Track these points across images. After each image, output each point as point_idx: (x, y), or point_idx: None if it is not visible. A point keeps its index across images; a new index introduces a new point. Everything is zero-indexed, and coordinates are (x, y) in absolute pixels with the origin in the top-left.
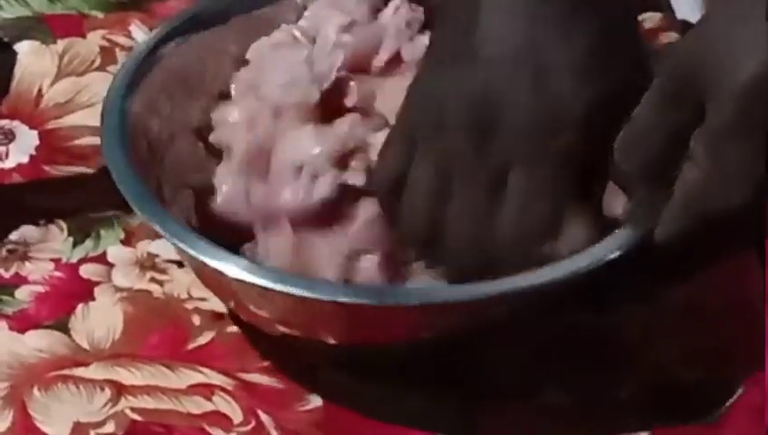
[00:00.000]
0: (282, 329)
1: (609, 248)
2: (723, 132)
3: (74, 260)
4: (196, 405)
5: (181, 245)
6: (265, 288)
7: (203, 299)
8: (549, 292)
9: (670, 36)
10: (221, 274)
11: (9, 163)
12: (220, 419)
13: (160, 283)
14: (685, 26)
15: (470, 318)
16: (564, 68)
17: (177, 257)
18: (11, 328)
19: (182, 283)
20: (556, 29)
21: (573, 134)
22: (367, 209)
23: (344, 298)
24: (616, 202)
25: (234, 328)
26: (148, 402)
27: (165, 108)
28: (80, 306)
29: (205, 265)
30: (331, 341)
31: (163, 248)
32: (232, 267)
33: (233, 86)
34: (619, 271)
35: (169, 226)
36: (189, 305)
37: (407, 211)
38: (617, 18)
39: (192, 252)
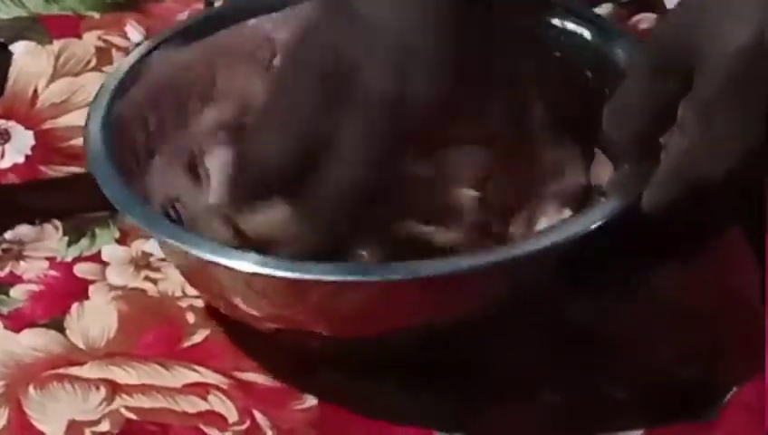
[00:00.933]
0: (272, 323)
1: (596, 216)
2: (712, 101)
3: (69, 259)
4: (192, 404)
5: (170, 241)
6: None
7: (197, 297)
8: (540, 260)
9: None
10: (208, 264)
11: (5, 163)
12: (215, 418)
13: (155, 281)
14: None
15: (466, 292)
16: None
17: None
18: (6, 327)
19: (176, 281)
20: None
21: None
22: None
23: (337, 276)
24: (603, 171)
25: (228, 326)
26: (143, 401)
27: (151, 119)
28: (74, 305)
29: (190, 255)
30: (323, 331)
31: (157, 247)
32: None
33: None
34: (606, 242)
35: (156, 223)
36: (184, 304)
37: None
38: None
39: (181, 245)
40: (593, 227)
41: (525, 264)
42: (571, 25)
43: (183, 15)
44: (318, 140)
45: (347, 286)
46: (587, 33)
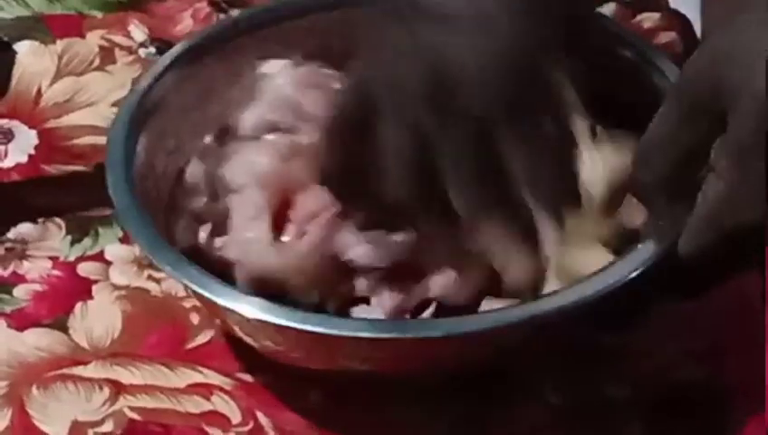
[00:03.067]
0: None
1: (634, 264)
2: (746, 143)
3: (72, 258)
4: (195, 405)
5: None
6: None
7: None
8: (574, 312)
9: (669, 36)
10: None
11: (8, 162)
12: (219, 419)
13: (158, 281)
14: (683, 21)
15: (491, 346)
16: (504, 12)
17: None
18: (9, 326)
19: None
20: None
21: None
22: None
23: (367, 333)
24: (636, 215)
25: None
26: (146, 401)
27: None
28: (78, 305)
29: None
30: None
31: None
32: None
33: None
34: (642, 286)
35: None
36: (187, 304)
37: (395, 182)
38: None
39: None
40: (630, 276)
41: (561, 317)
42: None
43: (186, 14)
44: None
45: (383, 342)
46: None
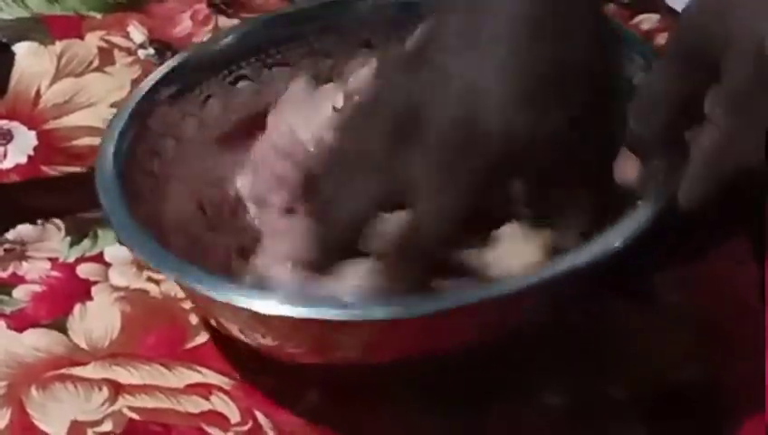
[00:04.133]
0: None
1: (636, 222)
2: (741, 88)
3: (71, 260)
4: (194, 404)
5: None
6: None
7: None
8: (587, 272)
9: (667, 37)
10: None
11: (7, 164)
12: (218, 418)
13: (157, 282)
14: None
15: (505, 314)
16: (495, 96)
17: None
18: (9, 327)
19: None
20: (502, 62)
21: (486, 159)
22: None
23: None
24: (629, 169)
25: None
26: (145, 401)
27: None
28: (77, 306)
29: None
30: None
31: None
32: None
33: None
34: (642, 247)
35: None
36: (186, 305)
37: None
38: (575, 48)
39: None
40: (636, 234)
41: (577, 276)
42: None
43: (185, 16)
44: (397, 186)
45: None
46: None
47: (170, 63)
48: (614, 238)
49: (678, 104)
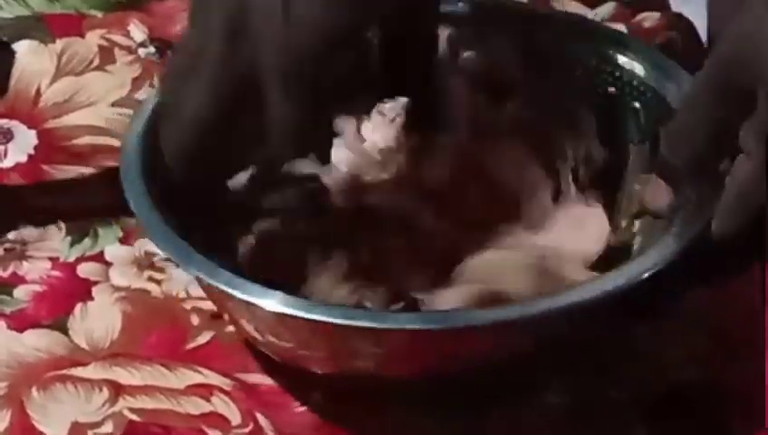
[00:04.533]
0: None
1: (665, 251)
2: None
3: (72, 259)
4: (195, 406)
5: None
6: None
7: (201, 298)
8: (609, 301)
9: (669, 35)
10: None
11: (8, 163)
12: (218, 420)
13: (158, 282)
14: (684, 20)
15: (524, 337)
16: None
17: None
18: (9, 327)
19: (180, 282)
20: None
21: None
22: None
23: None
24: (661, 197)
25: (232, 328)
26: (146, 403)
27: None
28: (78, 306)
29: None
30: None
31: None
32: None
33: None
34: (673, 274)
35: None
36: (188, 305)
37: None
38: None
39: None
40: (661, 265)
41: (597, 306)
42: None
43: (185, 14)
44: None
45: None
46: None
47: None
48: (645, 265)
49: (711, 135)
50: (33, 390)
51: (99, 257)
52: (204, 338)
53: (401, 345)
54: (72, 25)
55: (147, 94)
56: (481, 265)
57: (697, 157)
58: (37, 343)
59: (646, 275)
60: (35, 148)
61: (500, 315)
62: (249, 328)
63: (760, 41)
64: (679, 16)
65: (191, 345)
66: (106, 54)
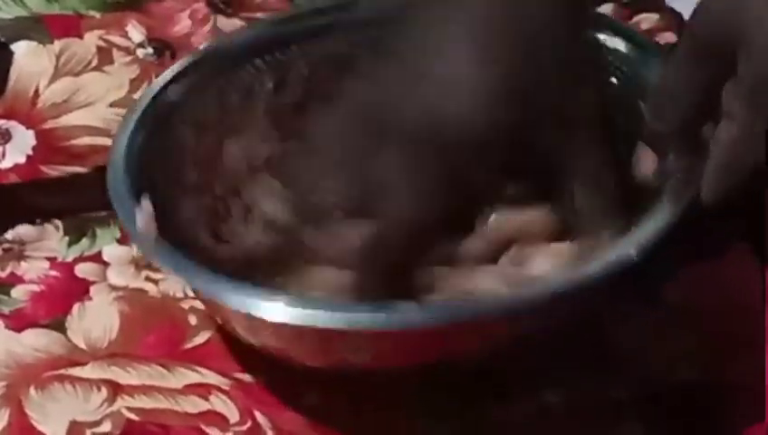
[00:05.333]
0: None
1: (659, 223)
2: (759, 81)
3: (70, 259)
4: (193, 405)
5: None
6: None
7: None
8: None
9: (667, 36)
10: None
11: (6, 163)
12: (217, 418)
13: (156, 282)
14: (682, 21)
15: (517, 325)
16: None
17: None
18: (7, 327)
19: (177, 281)
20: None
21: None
22: None
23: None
24: (647, 165)
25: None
26: (144, 402)
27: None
28: (76, 306)
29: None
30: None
31: None
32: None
33: None
34: (664, 249)
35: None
36: (185, 305)
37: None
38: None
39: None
40: (654, 240)
41: (594, 285)
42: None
43: (184, 15)
44: (365, 187)
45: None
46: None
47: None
48: (637, 243)
49: (695, 99)
50: (32, 389)
51: (96, 257)
52: (201, 338)
53: (391, 344)
54: (71, 26)
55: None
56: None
57: (682, 121)
58: (35, 342)
59: (646, 246)
60: (34, 148)
61: (478, 309)
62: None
63: (738, 5)
64: (678, 16)
65: (189, 345)
66: (104, 55)
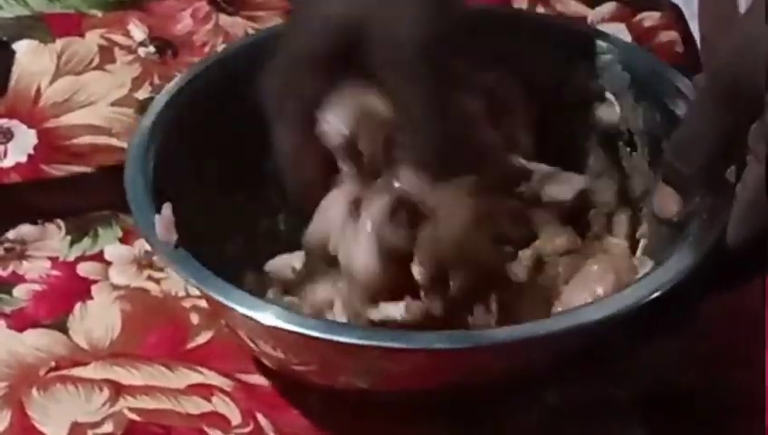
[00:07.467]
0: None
1: (682, 264)
2: None
3: (71, 259)
4: (195, 406)
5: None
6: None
7: (200, 297)
8: (625, 316)
9: (669, 35)
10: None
11: (7, 162)
12: (219, 420)
13: (158, 281)
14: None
15: (538, 353)
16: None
17: None
18: (9, 327)
19: (179, 281)
20: None
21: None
22: None
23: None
24: (670, 205)
25: None
26: (146, 402)
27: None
28: (78, 305)
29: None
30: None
31: None
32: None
33: None
34: (689, 286)
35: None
36: (187, 304)
37: None
38: None
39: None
40: (678, 278)
41: (613, 323)
42: None
43: (186, 14)
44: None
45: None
46: None
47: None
48: (663, 279)
49: (720, 140)
50: (33, 390)
51: (98, 257)
52: (203, 338)
53: (394, 364)
54: (72, 25)
55: (147, 94)
56: None
57: (707, 163)
58: (37, 342)
59: (668, 286)
60: (35, 147)
61: (518, 333)
62: (244, 336)
63: (762, 50)
64: (679, 15)
65: (191, 345)
66: (106, 54)
